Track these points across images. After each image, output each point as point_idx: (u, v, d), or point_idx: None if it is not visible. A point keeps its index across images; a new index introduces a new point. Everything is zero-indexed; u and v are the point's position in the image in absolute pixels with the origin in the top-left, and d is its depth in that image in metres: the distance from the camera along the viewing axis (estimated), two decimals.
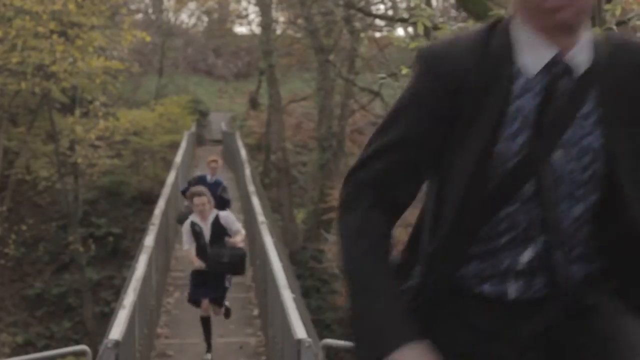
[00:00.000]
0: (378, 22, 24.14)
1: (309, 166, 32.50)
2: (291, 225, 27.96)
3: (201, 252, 9.42)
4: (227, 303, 10.05)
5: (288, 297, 8.05)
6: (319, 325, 21.03)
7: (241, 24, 45.86)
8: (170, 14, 42.89)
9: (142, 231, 15.17)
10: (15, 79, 22.62)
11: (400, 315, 1.83)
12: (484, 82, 1.83)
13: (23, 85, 22.43)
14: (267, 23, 29.46)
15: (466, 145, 1.85)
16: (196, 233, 9.40)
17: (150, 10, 42.40)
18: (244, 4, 44.09)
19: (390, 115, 1.95)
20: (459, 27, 6.53)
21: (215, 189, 11.31)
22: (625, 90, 1.88)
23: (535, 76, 1.84)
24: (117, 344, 6.48)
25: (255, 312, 12.34)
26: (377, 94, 20.47)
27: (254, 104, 38.69)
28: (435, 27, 6.64)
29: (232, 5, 45.49)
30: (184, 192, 11.93)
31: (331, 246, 25.66)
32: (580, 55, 1.85)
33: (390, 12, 23.16)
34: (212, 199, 9.60)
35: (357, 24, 24.52)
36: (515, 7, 1.88)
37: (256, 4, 34.20)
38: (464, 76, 1.83)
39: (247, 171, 20.26)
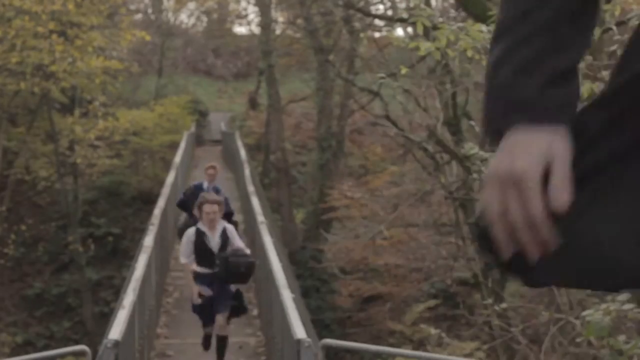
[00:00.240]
0: (377, 22, 24.14)
1: (308, 166, 32.51)
2: (291, 225, 27.96)
3: (207, 261, 8.78)
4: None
5: (287, 297, 8.05)
6: (319, 325, 21.03)
7: (240, 24, 45.90)
8: (170, 14, 42.90)
9: (142, 231, 15.16)
10: (14, 79, 22.62)
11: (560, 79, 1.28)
12: None
13: (22, 85, 22.43)
14: (266, 23, 29.47)
15: None
16: (201, 243, 8.78)
17: (149, 10, 42.40)
18: (243, 4, 44.15)
19: None
20: (458, 27, 6.54)
21: None
22: None
23: None
24: (116, 344, 6.48)
25: (255, 312, 12.35)
26: (376, 94, 20.44)
27: (253, 104, 38.69)
28: (435, 27, 6.65)
29: (232, 6, 45.52)
30: (180, 205, 11.64)
31: (331, 246, 25.67)
32: None
33: (389, 12, 23.18)
34: (223, 209, 9.08)
35: (357, 24, 24.53)
36: None
37: (255, 4, 34.21)
38: None
39: (247, 171, 20.27)
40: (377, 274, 25.01)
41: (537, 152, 1.24)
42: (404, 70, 7.85)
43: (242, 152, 24.57)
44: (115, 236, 28.50)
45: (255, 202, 15.32)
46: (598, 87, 6.57)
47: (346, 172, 30.50)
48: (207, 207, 8.66)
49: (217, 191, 11.28)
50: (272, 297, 9.53)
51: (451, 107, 18.28)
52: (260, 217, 13.40)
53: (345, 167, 30.76)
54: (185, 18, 45.76)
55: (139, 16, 40.92)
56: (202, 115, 37.13)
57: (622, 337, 6.12)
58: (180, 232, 11.17)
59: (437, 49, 6.60)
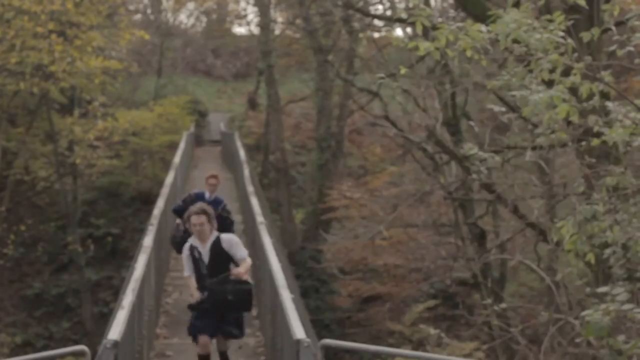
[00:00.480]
0: (376, 22, 24.12)
1: (307, 166, 32.50)
2: (290, 226, 27.96)
3: (200, 281, 8.21)
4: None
5: (287, 298, 8.05)
6: (318, 325, 21.04)
7: (240, 25, 45.87)
8: (169, 14, 42.90)
9: (141, 231, 15.15)
10: (14, 79, 22.62)
11: None
12: None
13: (22, 85, 22.43)
14: (265, 23, 29.48)
15: None
16: (195, 259, 8.23)
17: (149, 11, 42.40)
18: (242, 4, 44.16)
19: None
20: (457, 27, 6.53)
21: (214, 207, 9.47)
22: None
23: None
24: (116, 344, 6.48)
25: (254, 312, 12.34)
26: (376, 94, 20.44)
27: (252, 104, 38.69)
28: (434, 27, 6.64)
29: (231, 6, 45.53)
30: (176, 211, 11.13)
31: (330, 246, 25.66)
32: None
33: (388, 12, 23.16)
34: (214, 219, 8.35)
35: (356, 24, 24.51)
36: None
37: (255, 5, 34.20)
38: None
39: (246, 171, 20.27)
40: (376, 274, 25.02)
41: None
42: (403, 71, 7.84)
43: (242, 153, 24.58)
44: (114, 236, 28.51)
45: (254, 202, 15.32)
46: (597, 87, 6.57)
47: (345, 172, 30.51)
48: (194, 219, 8.19)
49: (218, 203, 10.75)
50: (271, 298, 9.53)
51: (450, 108, 18.28)
52: (259, 218, 13.40)
53: (345, 167, 30.77)
54: (184, 18, 45.81)
55: (138, 16, 40.91)
56: (201, 115, 37.13)
57: (621, 337, 6.12)
58: (172, 240, 11.10)
59: (437, 49, 6.60)
